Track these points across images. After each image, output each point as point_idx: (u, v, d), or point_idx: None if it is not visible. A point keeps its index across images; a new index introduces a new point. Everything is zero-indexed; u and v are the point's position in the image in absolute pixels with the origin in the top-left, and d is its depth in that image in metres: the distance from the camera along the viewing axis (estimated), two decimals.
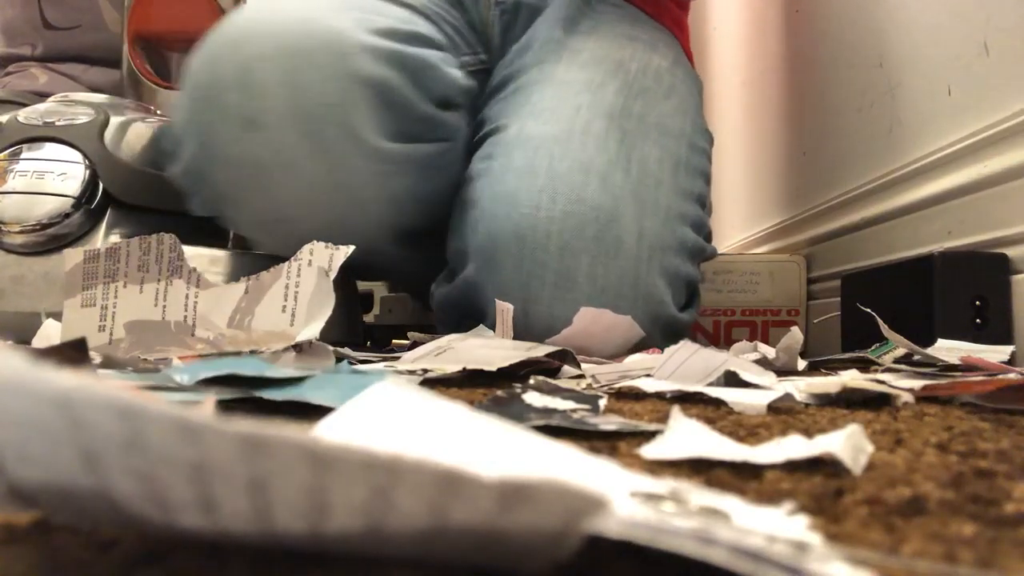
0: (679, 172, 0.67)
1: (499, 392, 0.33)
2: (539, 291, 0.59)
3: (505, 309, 0.58)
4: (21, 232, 0.67)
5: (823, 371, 0.53)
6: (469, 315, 0.62)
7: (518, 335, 0.60)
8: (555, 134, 0.64)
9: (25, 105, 0.80)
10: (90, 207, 0.71)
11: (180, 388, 0.30)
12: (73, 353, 0.31)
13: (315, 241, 0.46)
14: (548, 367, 0.47)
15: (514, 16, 0.79)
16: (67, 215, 0.69)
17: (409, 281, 0.76)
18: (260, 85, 0.57)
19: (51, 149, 0.72)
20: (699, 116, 0.74)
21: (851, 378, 0.37)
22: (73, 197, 0.70)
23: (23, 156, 0.70)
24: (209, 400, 0.22)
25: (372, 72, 0.59)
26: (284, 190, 0.59)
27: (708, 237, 0.70)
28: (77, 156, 0.70)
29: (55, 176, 0.70)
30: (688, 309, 0.67)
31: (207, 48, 0.60)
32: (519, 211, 0.60)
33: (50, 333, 0.46)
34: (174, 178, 0.65)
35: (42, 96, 0.91)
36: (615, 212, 0.61)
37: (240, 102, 0.58)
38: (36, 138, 0.71)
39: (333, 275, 0.44)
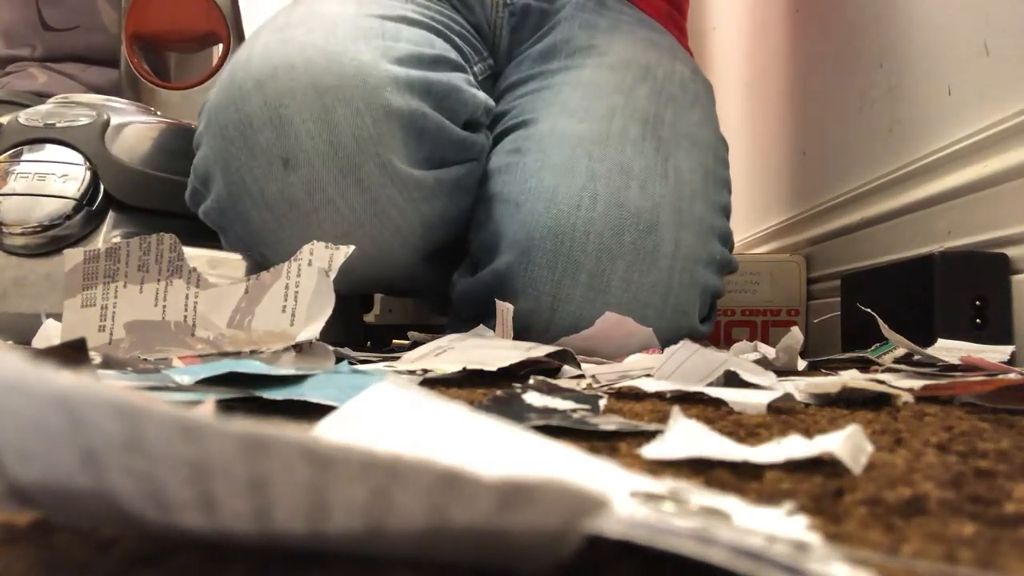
0: (709, 184, 0.67)
1: (499, 392, 0.33)
2: (571, 290, 0.59)
3: (505, 309, 0.58)
4: (22, 234, 0.67)
5: (823, 371, 0.53)
6: (493, 309, 0.62)
7: (540, 334, 0.59)
8: (592, 134, 0.63)
9: (25, 106, 0.80)
10: (91, 209, 0.71)
11: (180, 388, 0.30)
12: (73, 353, 0.31)
13: (314, 242, 0.46)
14: (548, 367, 0.47)
15: (523, 18, 0.78)
16: (68, 217, 0.69)
17: (431, 293, 0.76)
18: (292, 124, 0.57)
19: (52, 151, 0.72)
20: (718, 126, 0.74)
21: (851, 378, 0.37)
22: (74, 199, 0.70)
23: (24, 158, 0.70)
24: (209, 400, 0.22)
25: (402, 104, 0.59)
26: (322, 227, 0.59)
27: (731, 249, 0.71)
28: (78, 158, 0.70)
29: (56, 178, 0.70)
30: (707, 321, 0.67)
31: (228, 85, 0.59)
32: (558, 208, 0.60)
33: (50, 334, 0.46)
34: (203, 216, 0.64)
35: (42, 96, 0.91)
36: (654, 220, 0.60)
37: (273, 141, 0.57)
38: (37, 139, 0.71)
39: (333, 275, 0.44)
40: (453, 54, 0.68)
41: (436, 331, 0.70)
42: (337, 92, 0.57)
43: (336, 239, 0.52)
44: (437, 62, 0.64)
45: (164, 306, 0.46)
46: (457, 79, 0.64)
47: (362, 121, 0.57)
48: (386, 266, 0.64)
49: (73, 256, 0.46)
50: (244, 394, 0.30)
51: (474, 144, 0.65)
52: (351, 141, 0.57)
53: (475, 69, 0.75)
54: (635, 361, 0.48)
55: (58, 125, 0.73)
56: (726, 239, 0.69)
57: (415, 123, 0.60)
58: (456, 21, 0.74)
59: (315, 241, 0.46)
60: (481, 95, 0.66)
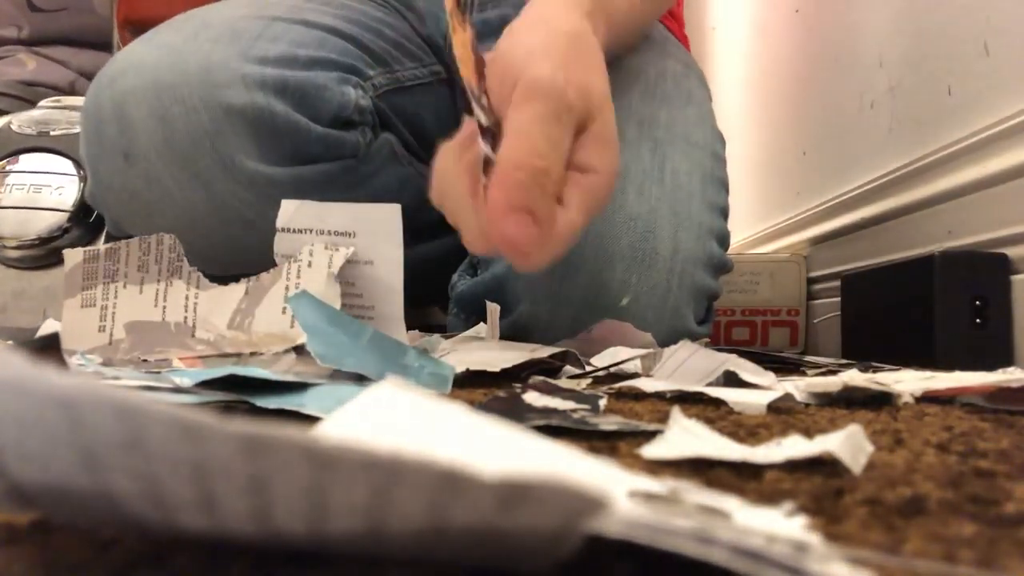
0: (707, 184, 0.66)
1: (499, 392, 0.33)
2: (570, 293, 0.59)
3: (493, 310, 0.58)
4: (19, 247, 0.67)
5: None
6: None
7: (539, 335, 0.59)
8: None
9: (15, 98, 0.79)
10: (88, 220, 0.71)
11: (178, 390, 0.30)
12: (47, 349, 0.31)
13: (314, 243, 0.46)
14: (549, 367, 0.47)
15: (485, 25, 0.77)
16: (66, 230, 0.69)
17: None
18: (132, 120, 0.61)
19: (47, 160, 0.71)
20: (715, 121, 0.74)
21: (851, 378, 0.37)
22: (71, 211, 0.70)
23: (19, 168, 0.70)
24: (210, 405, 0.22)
25: (246, 101, 0.61)
26: (165, 217, 0.63)
27: (726, 249, 0.70)
28: (72, 168, 0.70)
29: (52, 190, 0.71)
30: (705, 323, 0.67)
31: (97, 79, 0.64)
32: None
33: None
34: (88, 201, 0.68)
35: (33, 85, 0.91)
36: (652, 224, 0.60)
37: (117, 135, 0.61)
38: (31, 149, 0.71)
39: (334, 275, 0.44)
40: (347, 58, 0.68)
41: (437, 331, 0.70)
42: (174, 90, 0.60)
43: (181, 229, 0.57)
44: (313, 63, 0.65)
45: (164, 307, 0.46)
46: (324, 78, 0.65)
47: (198, 118, 0.60)
48: (250, 262, 0.67)
49: (72, 256, 0.46)
50: (243, 399, 0.29)
51: (343, 142, 0.66)
52: (185, 137, 0.60)
53: (407, 72, 0.74)
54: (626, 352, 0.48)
55: (52, 133, 0.73)
56: (723, 240, 0.68)
57: (263, 121, 0.62)
58: (393, 28, 0.74)
59: (315, 243, 0.46)
60: (353, 94, 0.67)
